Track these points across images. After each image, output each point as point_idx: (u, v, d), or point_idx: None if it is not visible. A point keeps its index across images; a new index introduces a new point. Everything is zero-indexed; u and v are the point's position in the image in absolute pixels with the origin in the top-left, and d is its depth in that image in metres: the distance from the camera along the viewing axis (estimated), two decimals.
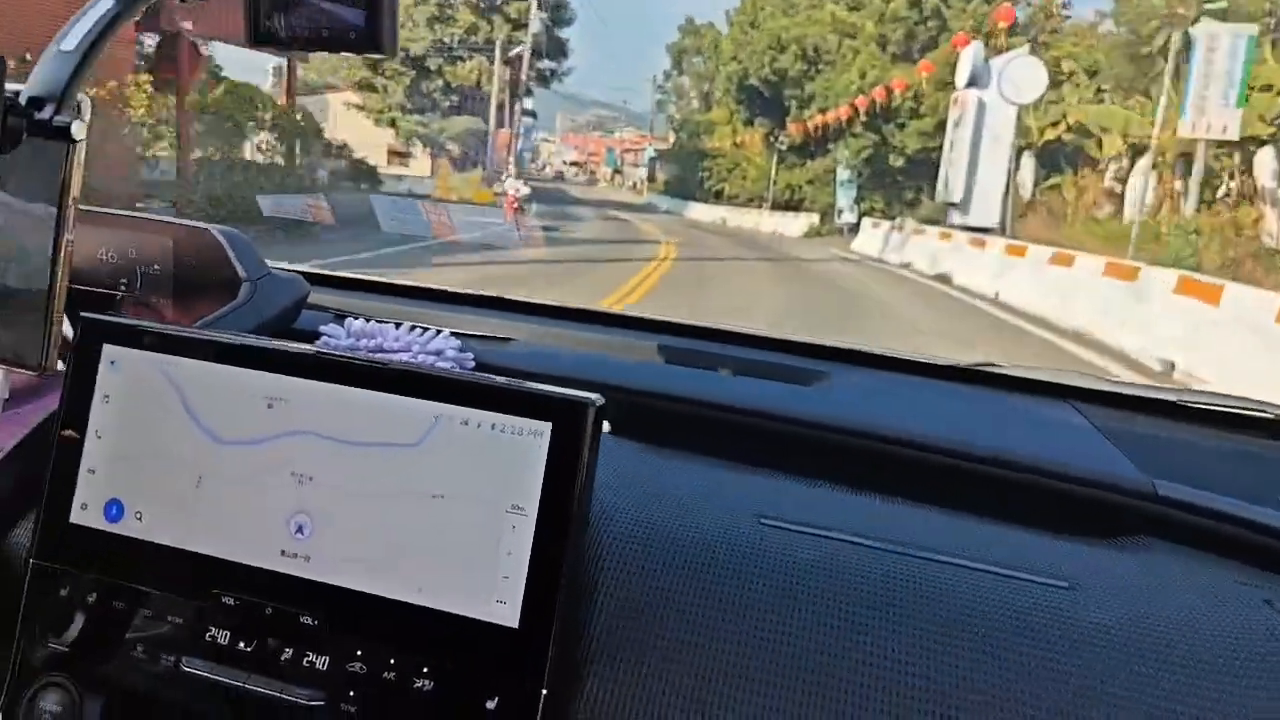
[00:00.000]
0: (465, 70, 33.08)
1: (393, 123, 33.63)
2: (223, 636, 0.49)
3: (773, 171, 30.84)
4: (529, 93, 38.84)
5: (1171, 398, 0.91)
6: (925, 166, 24.29)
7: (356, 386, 0.51)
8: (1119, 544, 0.66)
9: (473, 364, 0.88)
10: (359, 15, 0.53)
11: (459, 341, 0.87)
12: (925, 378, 0.96)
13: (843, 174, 26.98)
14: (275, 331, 0.81)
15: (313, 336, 0.85)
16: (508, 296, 1.12)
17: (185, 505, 0.51)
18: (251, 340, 0.54)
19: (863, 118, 26.26)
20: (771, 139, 31.44)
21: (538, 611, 0.48)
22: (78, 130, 0.49)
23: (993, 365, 0.99)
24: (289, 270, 0.89)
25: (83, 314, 0.54)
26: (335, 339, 0.84)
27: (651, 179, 50.38)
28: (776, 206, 30.05)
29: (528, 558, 0.48)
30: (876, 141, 26.54)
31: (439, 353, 0.83)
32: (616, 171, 61.98)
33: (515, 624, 0.48)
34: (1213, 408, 0.88)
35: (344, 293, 1.06)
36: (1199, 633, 0.52)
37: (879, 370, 0.97)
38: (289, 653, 0.48)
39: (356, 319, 0.86)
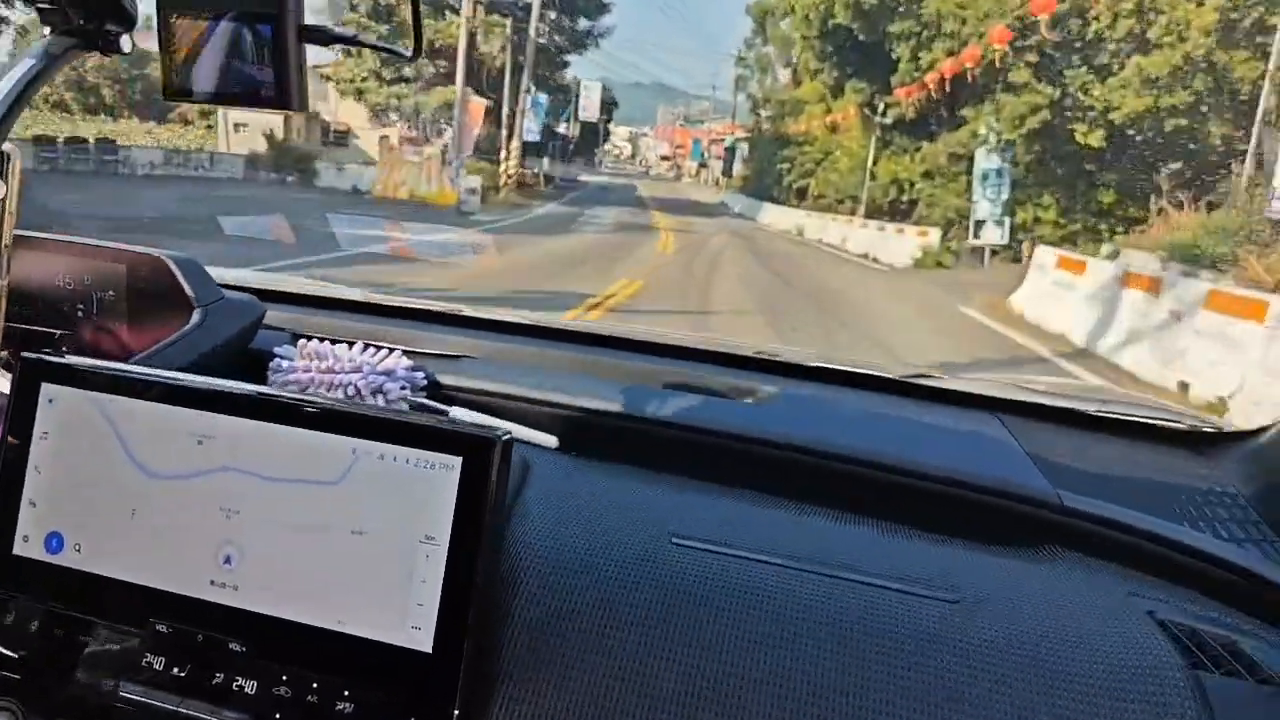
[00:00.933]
0: (451, 28, 26.82)
1: (359, 94, 29.53)
2: (158, 663, 0.62)
3: (869, 158, 23.67)
4: (560, 56, 35.32)
5: (1091, 409, 1.08)
6: (1169, 149, 15.06)
7: (281, 424, 0.64)
8: (1023, 554, 0.81)
9: (424, 383, 1.01)
10: (267, 73, 0.68)
11: (410, 361, 1.01)
12: (860, 390, 1.15)
13: (986, 160, 17.83)
14: (231, 354, 0.98)
15: (268, 357, 1.01)
16: (465, 313, 1.31)
17: (121, 537, 0.64)
18: (183, 379, 0.68)
19: (1029, 56, 16.75)
20: (870, 109, 23.72)
21: (450, 636, 0.60)
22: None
23: (924, 376, 1.15)
24: (244, 290, 1.07)
25: (22, 354, 0.69)
26: (288, 360, 0.99)
27: (728, 174, 49.85)
28: (874, 212, 22.64)
29: (440, 585, 0.60)
30: (1053, 100, 16.89)
31: (390, 373, 0.98)
32: (702, 165, 66.57)
33: (429, 649, 0.60)
34: (1130, 418, 1.06)
35: (302, 310, 1.26)
36: (1080, 650, 0.64)
37: (814, 383, 1.15)
38: (219, 678, 0.61)
39: (311, 339, 1.01)
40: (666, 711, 0.61)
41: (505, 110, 27.64)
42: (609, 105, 64.88)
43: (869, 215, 22.78)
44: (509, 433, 0.64)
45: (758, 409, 1.03)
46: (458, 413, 0.98)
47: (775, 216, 28.90)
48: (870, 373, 1.17)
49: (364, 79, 29.64)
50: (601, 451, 0.95)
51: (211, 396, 0.66)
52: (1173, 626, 0.71)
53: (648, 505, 0.80)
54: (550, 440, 0.97)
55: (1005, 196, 17.32)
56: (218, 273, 1.09)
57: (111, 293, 1.04)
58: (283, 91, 0.68)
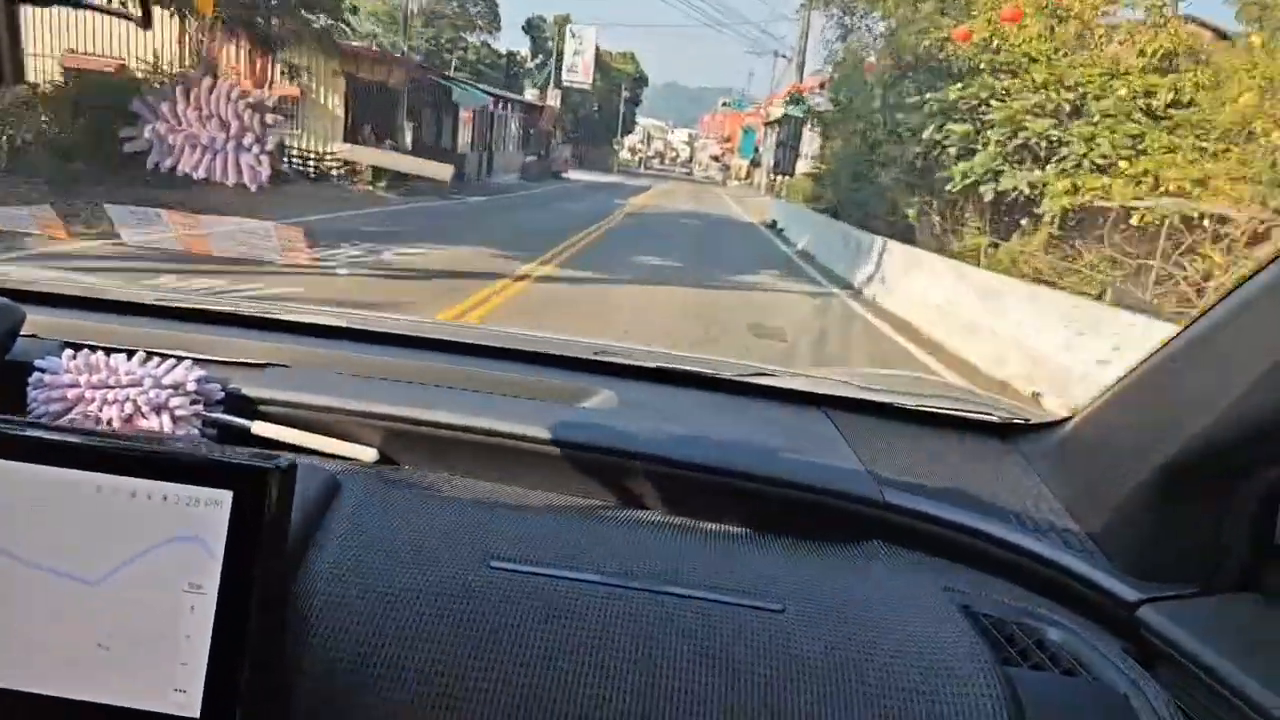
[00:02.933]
0: None
1: None
2: None
3: None
4: None
5: (912, 404, 1.10)
6: None
7: (8, 460, 0.55)
8: (848, 552, 0.84)
9: (221, 396, 0.91)
10: None
11: (203, 371, 0.90)
12: (692, 389, 1.14)
13: None
14: None
15: (27, 371, 0.88)
16: (275, 315, 1.18)
17: None
18: None
19: None
20: None
21: (220, 699, 0.53)
22: None
23: (760, 374, 1.14)
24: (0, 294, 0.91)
25: None
26: (53, 373, 0.87)
27: (785, 170, 27.57)
28: None
29: (208, 641, 0.54)
30: None
31: (177, 386, 0.87)
32: (754, 164, 46.42)
33: (196, 714, 0.53)
34: (950, 412, 1.09)
35: (75, 313, 1.11)
36: (898, 655, 0.66)
37: (651, 383, 1.13)
38: None
39: (83, 348, 0.89)
40: None
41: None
42: (635, 84, 55.84)
43: None
44: (291, 460, 0.57)
45: (590, 413, 1.00)
46: (260, 428, 0.90)
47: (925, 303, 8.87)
48: (706, 372, 1.15)
49: None
50: (425, 462, 0.91)
51: None
52: (984, 620, 0.74)
53: (466, 525, 0.75)
54: (368, 454, 0.91)
55: None
56: None
57: None
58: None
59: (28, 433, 0.57)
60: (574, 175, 39.07)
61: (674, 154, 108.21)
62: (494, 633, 0.63)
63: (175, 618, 0.54)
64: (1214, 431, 0.69)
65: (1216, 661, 0.67)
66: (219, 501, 0.55)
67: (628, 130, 62.81)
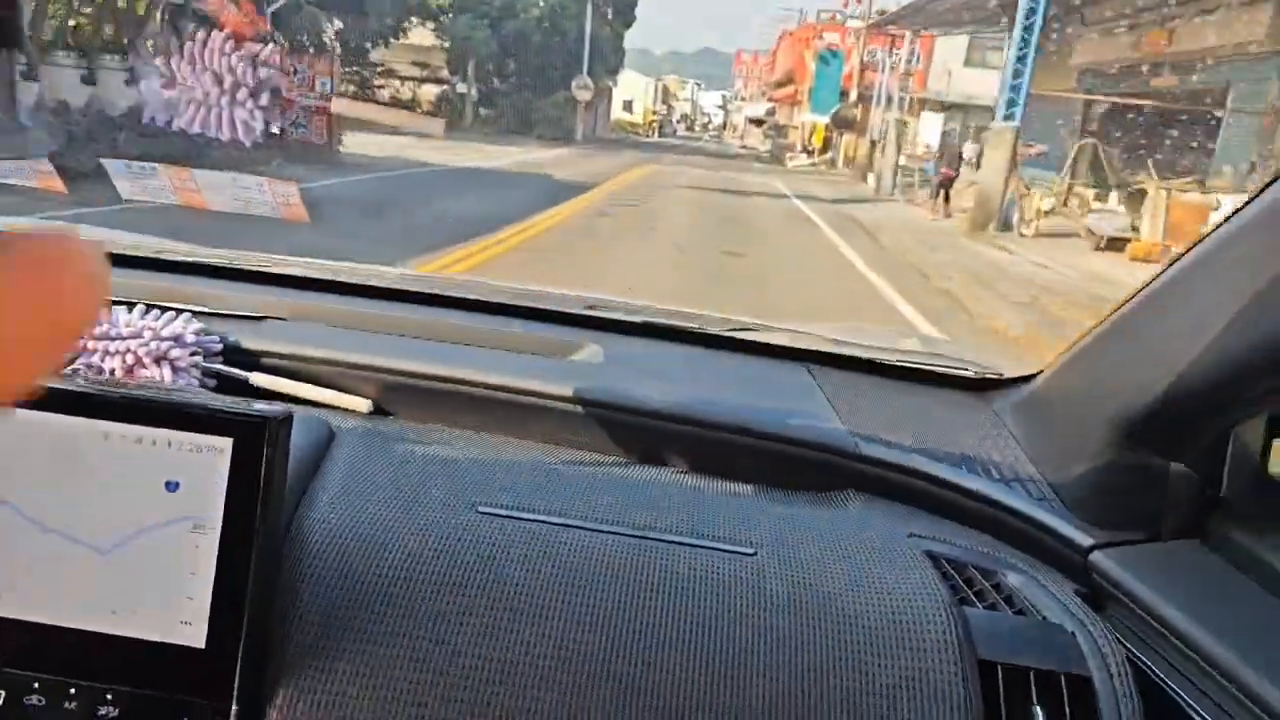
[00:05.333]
0: None
1: None
2: None
3: None
4: None
5: (893, 359, 1.15)
6: None
7: (18, 408, 0.58)
8: (820, 500, 0.89)
9: (219, 348, 0.94)
10: None
11: (201, 324, 0.94)
12: (678, 343, 1.18)
13: None
14: None
15: None
16: (270, 269, 1.22)
17: None
18: None
19: None
20: None
21: (224, 631, 0.58)
22: None
23: (744, 329, 1.18)
24: None
25: None
26: None
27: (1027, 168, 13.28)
28: None
29: (212, 577, 0.59)
30: None
31: (177, 337, 0.91)
32: (840, 126, 27.79)
33: (202, 644, 0.58)
34: (924, 367, 1.14)
35: None
36: (864, 595, 0.71)
37: (639, 338, 1.17)
38: None
39: None
40: (463, 691, 0.62)
41: None
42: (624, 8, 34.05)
43: None
44: (287, 410, 0.61)
45: (579, 367, 1.04)
46: (258, 379, 0.93)
47: None
48: (691, 328, 1.20)
49: None
50: (417, 414, 0.95)
51: None
52: (945, 564, 0.79)
53: (456, 473, 0.80)
54: (362, 404, 0.94)
55: None
56: None
57: None
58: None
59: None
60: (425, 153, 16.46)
61: (705, 119, 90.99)
62: (479, 576, 0.67)
63: (181, 555, 0.59)
64: (1166, 386, 0.73)
65: (1158, 603, 0.72)
66: (220, 448, 0.59)
67: (609, 65, 35.94)
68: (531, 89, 31.83)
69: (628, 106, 61.79)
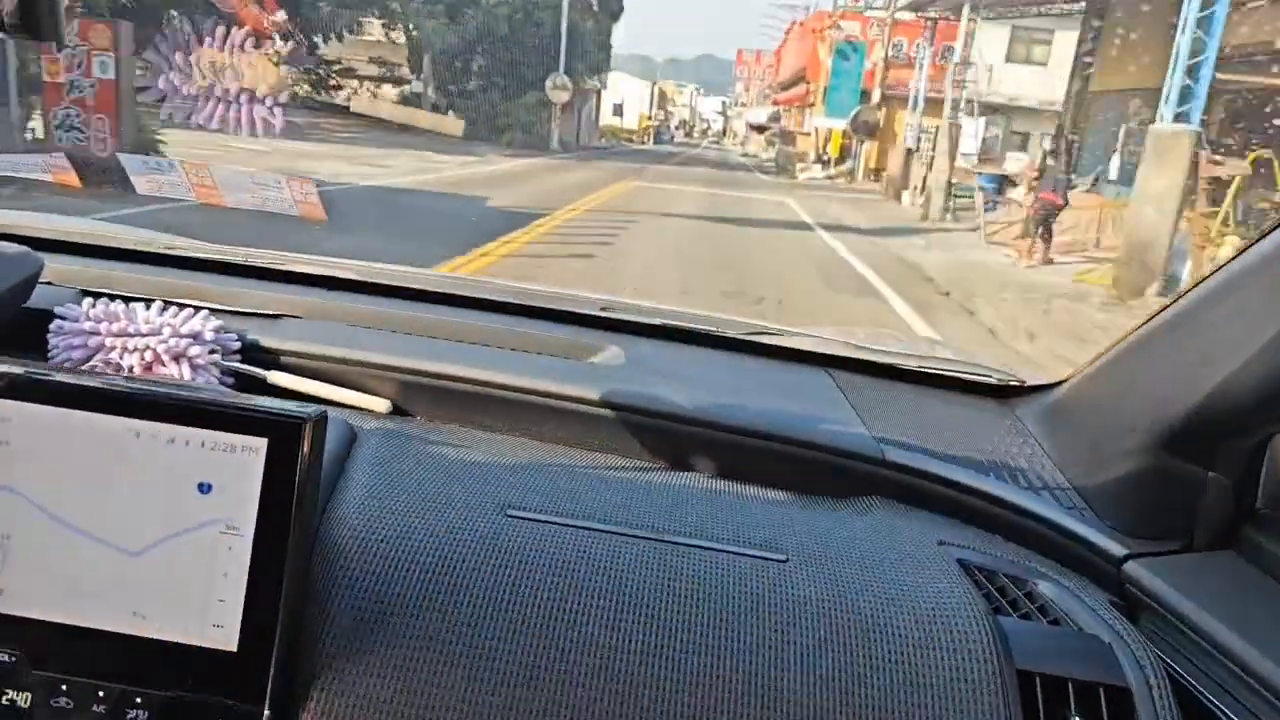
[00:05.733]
0: None
1: None
2: None
3: None
4: None
5: (913, 365, 1.20)
6: None
7: (48, 405, 0.61)
8: (849, 506, 0.92)
9: (238, 346, 0.98)
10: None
11: (220, 321, 0.98)
12: (698, 347, 1.23)
13: None
14: (1, 314, 0.91)
15: (48, 318, 0.95)
16: (288, 267, 1.27)
17: None
18: None
19: None
20: None
21: (257, 633, 0.60)
22: None
23: (763, 333, 1.22)
24: (15, 239, 0.98)
25: None
26: (72, 320, 0.94)
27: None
28: None
29: (245, 579, 0.60)
30: None
31: (196, 335, 0.94)
32: (859, 131, 24.73)
33: (234, 647, 0.60)
34: (947, 373, 1.18)
35: (92, 261, 1.19)
36: (895, 603, 0.73)
37: (657, 340, 1.21)
38: None
39: (101, 296, 0.97)
40: (495, 694, 0.65)
41: None
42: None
43: None
44: (322, 411, 0.64)
45: (598, 369, 1.08)
46: (277, 378, 0.97)
47: None
48: (710, 330, 1.25)
49: None
50: (436, 414, 0.99)
51: None
52: (977, 573, 0.81)
53: (481, 475, 0.83)
54: (381, 404, 0.98)
55: None
56: None
57: None
58: (31, 17, 0.63)
59: (73, 380, 0.63)
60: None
61: (705, 125, 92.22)
62: (510, 579, 0.70)
63: (213, 557, 0.61)
64: (1201, 398, 0.77)
65: (1194, 613, 0.75)
66: (255, 449, 0.61)
67: (592, 63, 33.68)
68: (501, 89, 29.31)
69: (618, 110, 60.59)
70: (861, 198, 21.48)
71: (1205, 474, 0.82)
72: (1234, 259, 0.78)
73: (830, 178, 27.73)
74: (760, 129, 51.18)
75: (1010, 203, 15.65)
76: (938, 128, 17.23)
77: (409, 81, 30.45)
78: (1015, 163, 15.53)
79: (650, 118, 64.66)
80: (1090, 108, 18.44)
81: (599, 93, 41.69)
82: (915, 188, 18.53)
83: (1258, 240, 0.76)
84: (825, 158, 30.27)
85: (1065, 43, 22.98)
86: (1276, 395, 0.73)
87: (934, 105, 18.64)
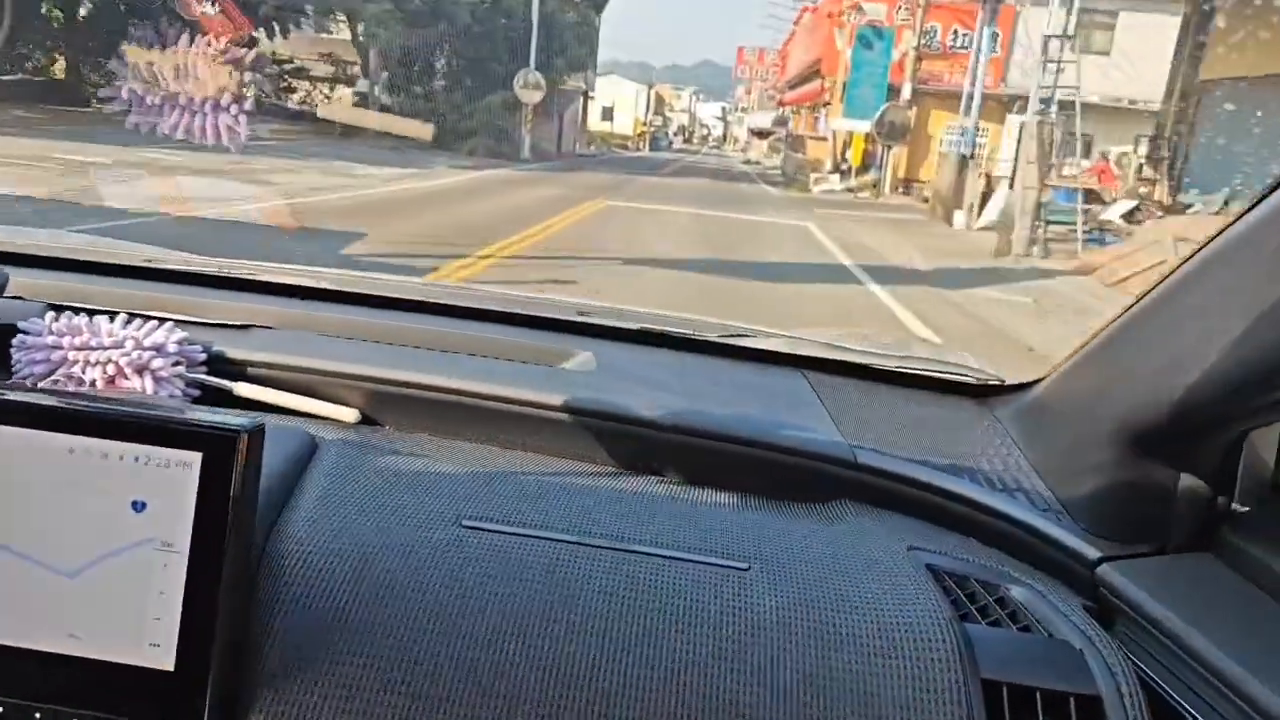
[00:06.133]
0: None
1: None
2: None
3: None
4: None
5: (891, 365, 1.26)
6: None
7: None
8: (817, 512, 0.95)
9: (203, 358, 1.03)
10: None
11: (185, 333, 1.02)
12: (672, 350, 1.27)
13: None
14: None
15: (11, 332, 0.99)
16: (255, 276, 1.32)
17: None
18: None
19: None
20: None
21: (193, 652, 0.63)
22: None
23: (738, 335, 1.27)
24: None
25: None
26: (35, 335, 0.98)
27: None
28: None
29: (181, 597, 0.63)
30: None
31: (159, 347, 0.98)
32: (884, 134, 20.94)
33: (170, 666, 0.63)
34: (923, 373, 1.20)
35: (58, 274, 1.25)
36: (859, 612, 0.75)
37: (631, 344, 1.26)
38: None
39: (65, 309, 1.02)
40: (439, 712, 0.68)
41: None
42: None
43: None
44: (258, 422, 0.67)
45: (570, 375, 1.13)
46: (243, 389, 1.02)
47: None
48: (685, 334, 1.28)
49: None
50: (405, 424, 1.04)
51: None
52: (947, 578, 0.84)
53: (441, 486, 0.87)
54: (350, 414, 1.02)
55: None
56: None
57: None
58: None
59: (7, 396, 0.67)
60: None
61: (704, 131, 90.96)
62: (461, 591, 0.74)
63: (149, 575, 0.64)
64: (1175, 393, 0.80)
65: (1168, 618, 0.77)
66: (188, 463, 0.64)
67: (573, 59, 30.64)
68: (465, 89, 26.18)
69: (608, 114, 57.60)
70: (900, 219, 17.60)
71: (1179, 475, 0.84)
72: (1192, 256, 0.80)
73: (851, 190, 23.96)
74: (763, 134, 48.61)
75: (1118, 230, 12.60)
76: (989, 129, 14.92)
77: (355, 81, 28.04)
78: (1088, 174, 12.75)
79: (645, 123, 62.82)
80: (1199, 101, 14.29)
81: (586, 95, 38.48)
82: (972, 206, 15.56)
83: (1215, 236, 0.77)
84: (844, 166, 26.21)
85: (1135, 27, 20.49)
86: (1246, 391, 0.75)
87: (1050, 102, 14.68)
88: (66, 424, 0.63)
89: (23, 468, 0.63)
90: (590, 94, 39.97)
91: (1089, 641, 0.77)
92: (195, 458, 0.62)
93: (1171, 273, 0.82)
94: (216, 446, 0.62)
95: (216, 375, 1.03)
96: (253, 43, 0.83)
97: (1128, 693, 0.72)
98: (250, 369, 1.04)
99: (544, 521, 0.82)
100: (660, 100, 73.73)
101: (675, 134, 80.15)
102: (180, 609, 0.62)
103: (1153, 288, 0.85)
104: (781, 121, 43.69)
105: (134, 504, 0.62)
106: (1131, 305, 0.87)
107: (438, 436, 1.02)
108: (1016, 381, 1.14)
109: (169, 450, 0.62)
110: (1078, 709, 0.70)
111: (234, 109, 0.81)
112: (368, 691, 0.66)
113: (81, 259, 1.33)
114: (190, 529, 0.62)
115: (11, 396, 0.65)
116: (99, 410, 0.64)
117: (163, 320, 1.04)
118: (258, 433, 0.64)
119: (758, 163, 44.27)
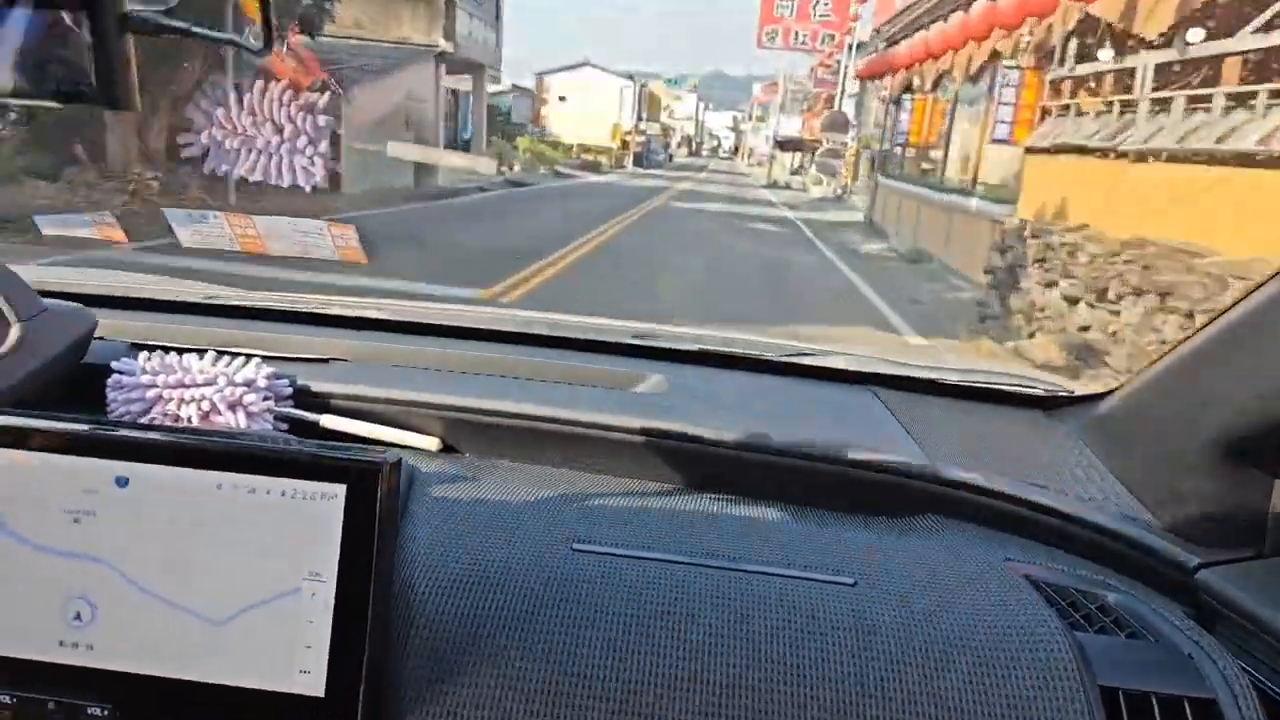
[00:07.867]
0: None
1: None
2: None
3: None
4: None
5: (956, 379, 1.27)
6: None
7: (128, 460, 0.65)
8: (908, 527, 0.98)
9: (289, 392, 1.06)
10: (88, 67, 0.61)
11: (272, 368, 1.05)
12: (740, 371, 1.29)
13: None
14: (61, 373, 0.98)
15: (104, 372, 1.02)
16: (329, 311, 1.35)
17: None
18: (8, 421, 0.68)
19: None
20: None
21: (343, 678, 0.66)
22: None
23: (802, 354, 1.29)
24: (68, 296, 1.07)
25: None
26: (129, 375, 1.00)
27: None
28: None
29: (330, 624, 0.65)
30: None
31: (250, 383, 1.00)
32: None
33: (321, 693, 0.65)
34: (991, 386, 1.25)
35: (139, 315, 1.29)
36: (968, 624, 0.76)
37: (694, 366, 1.27)
38: None
39: (155, 349, 1.04)
40: None
41: None
42: None
43: None
44: (398, 456, 0.70)
45: (643, 398, 1.15)
46: (329, 421, 1.04)
47: None
48: (748, 354, 1.31)
49: None
50: (486, 451, 1.06)
51: (26, 434, 0.68)
52: (1048, 588, 0.85)
53: (542, 509, 0.90)
54: (432, 443, 1.05)
55: None
56: (31, 274, 1.07)
57: None
58: (109, 87, 0.63)
59: (150, 435, 0.69)
60: None
61: (714, 142, 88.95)
62: (583, 613, 0.76)
63: (298, 605, 0.66)
64: (1264, 404, 0.80)
65: (1275, 619, 0.78)
66: (334, 495, 0.66)
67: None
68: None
69: (535, 119, 41.47)
70: None
71: (1274, 480, 0.85)
72: (1279, 273, 0.81)
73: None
74: (794, 146, 37.88)
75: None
76: None
77: None
78: None
79: (632, 130, 48.34)
80: None
81: (494, 74, 25.54)
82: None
83: None
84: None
85: None
86: None
87: None
88: (217, 461, 0.65)
89: (173, 504, 0.65)
90: (494, 70, 25.69)
91: (1197, 645, 0.78)
92: (340, 489, 0.64)
93: (1260, 286, 0.83)
94: (360, 479, 0.65)
95: (302, 408, 1.05)
96: (324, 87, 0.89)
97: (1241, 694, 0.73)
98: (333, 401, 1.07)
99: (649, 542, 0.84)
100: (653, 100, 58.16)
101: (678, 145, 71.58)
102: (329, 636, 0.64)
103: (1237, 301, 0.85)
104: (841, 123, 28.29)
105: (282, 535, 0.64)
106: (1214, 318, 0.88)
107: (518, 463, 1.05)
108: (1085, 393, 1.15)
109: (314, 484, 0.64)
110: (1194, 713, 0.71)
111: (309, 150, 0.84)
112: (506, 705, 0.68)
113: (158, 299, 1.35)
114: (337, 558, 0.64)
115: (159, 436, 0.67)
116: (249, 447, 0.67)
117: (249, 356, 1.06)
118: (396, 465, 0.67)
119: (786, 186, 32.81)
